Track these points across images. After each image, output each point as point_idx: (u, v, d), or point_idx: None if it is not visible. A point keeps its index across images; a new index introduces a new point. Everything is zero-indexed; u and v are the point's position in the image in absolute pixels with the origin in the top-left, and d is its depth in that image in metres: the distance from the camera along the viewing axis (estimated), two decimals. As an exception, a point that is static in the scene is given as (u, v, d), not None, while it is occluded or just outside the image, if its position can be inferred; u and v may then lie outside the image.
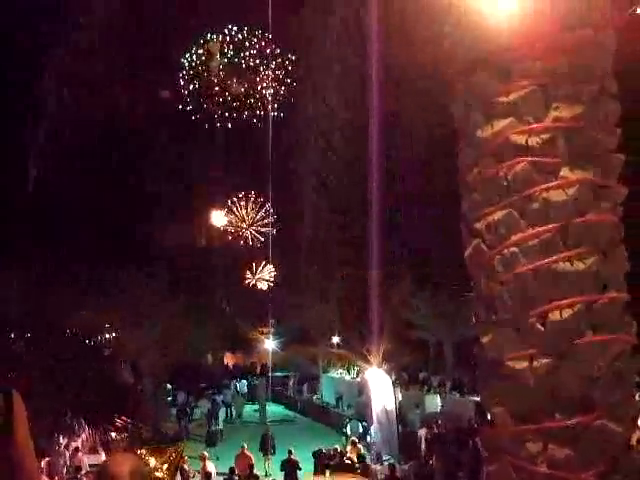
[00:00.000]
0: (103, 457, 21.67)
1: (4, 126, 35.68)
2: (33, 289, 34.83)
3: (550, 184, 7.59)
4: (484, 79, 8.04)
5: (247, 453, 21.86)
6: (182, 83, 47.30)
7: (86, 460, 21.31)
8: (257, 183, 45.35)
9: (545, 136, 7.69)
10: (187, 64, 47.27)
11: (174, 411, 37.62)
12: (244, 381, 46.78)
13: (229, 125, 48.03)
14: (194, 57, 47.45)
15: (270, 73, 45.62)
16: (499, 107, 7.92)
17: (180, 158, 48.36)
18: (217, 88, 47.28)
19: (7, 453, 2.03)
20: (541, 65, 7.77)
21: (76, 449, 22.48)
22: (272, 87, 44.81)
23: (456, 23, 8.04)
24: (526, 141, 7.71)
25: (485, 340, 8.02)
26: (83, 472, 19.76)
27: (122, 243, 41.74)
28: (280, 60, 45.75)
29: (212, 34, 47.24)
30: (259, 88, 46.70)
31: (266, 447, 25.19)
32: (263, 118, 44.59)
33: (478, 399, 20.06)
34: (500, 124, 7.86)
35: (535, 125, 7.74)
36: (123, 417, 28.15)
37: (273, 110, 44.41)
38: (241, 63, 47.04)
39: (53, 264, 37.11)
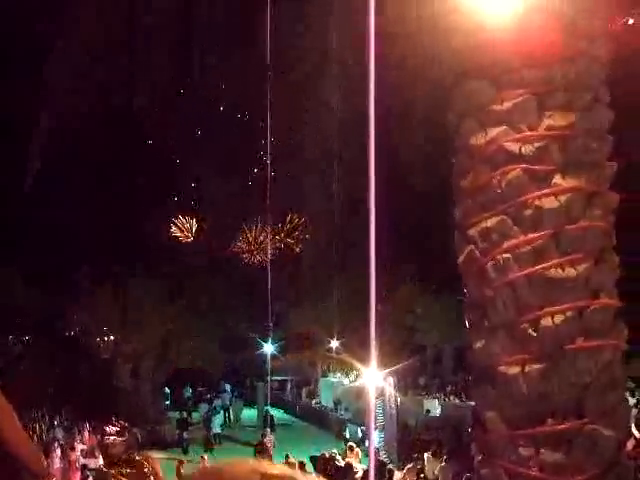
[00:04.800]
0: (100, 461, 21.67)
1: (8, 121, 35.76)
2: (32, 291, 34.93)
3: (543, 191, 7.69)
4: (479, 87, 8.13)
5: (270, 437, 26.14)
6: None
7: (83, 461, 21.31)
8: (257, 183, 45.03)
9: (538, 144, 7.78)
10: None
11: (173, 414, 37.54)
12: (227, 385, 45.51)
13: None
14: None
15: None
16: (493, 115, 8.01)
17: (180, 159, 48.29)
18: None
19: None
20: (536, 74, 7.86)
21: (72, 448, 22.49)
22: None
23: (453, 33, 8.12)
24: (520, 149, 7.80)
25: (478, 346, 8.09)
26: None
27: (122, 246, 41.70)
28: None
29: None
30: None
31: (266, 425, 29.21)
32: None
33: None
34: (494, 132, 7.96)
35: (529, 133, 7.84)
36: (120, 421, 28.28)
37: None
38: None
39: (53, 266, 37.16)
